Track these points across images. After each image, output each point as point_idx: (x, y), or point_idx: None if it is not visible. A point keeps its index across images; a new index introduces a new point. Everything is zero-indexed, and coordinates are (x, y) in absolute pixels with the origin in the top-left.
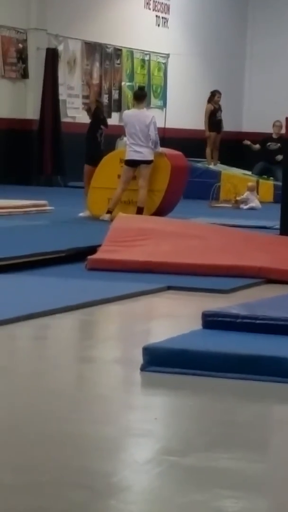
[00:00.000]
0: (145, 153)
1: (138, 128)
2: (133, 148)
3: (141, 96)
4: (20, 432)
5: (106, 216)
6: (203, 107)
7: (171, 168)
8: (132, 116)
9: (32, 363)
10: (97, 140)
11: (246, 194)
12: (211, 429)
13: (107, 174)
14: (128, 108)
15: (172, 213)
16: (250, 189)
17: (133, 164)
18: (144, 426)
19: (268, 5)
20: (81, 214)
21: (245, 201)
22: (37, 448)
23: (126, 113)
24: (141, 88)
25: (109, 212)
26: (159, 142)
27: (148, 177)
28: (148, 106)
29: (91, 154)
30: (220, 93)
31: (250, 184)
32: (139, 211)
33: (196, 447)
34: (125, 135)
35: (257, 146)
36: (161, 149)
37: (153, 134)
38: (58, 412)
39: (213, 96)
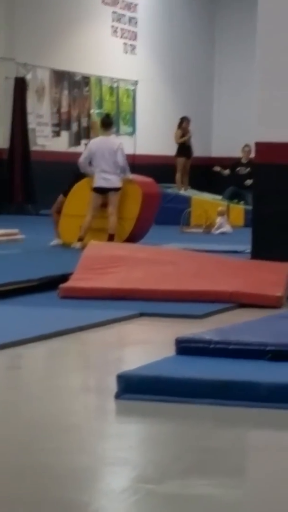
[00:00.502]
0: (113, 180)
1: (106, 155)
2: (101, 175)
3: (107, 123)
4: None
5: (78, 244)
6: (172, 133)
7: (142, 195)
8: (100, 144)
9: (5, 393)
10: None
11: (218, 219)
12: (186, 455)
13: (78, 201)
14: (98, 136)
15: (144, 239)
16: (221, 214)
17: (101, 191)
18: (120, 454)
19: (235, 29)
20: (52, 243)
21: (217, 226)
22: (13, 480)
23: (94, 141)
24: (107, 115)
25: (80, 240)
26: (128, 168)
27: (117, 204)
28: (118, 132)
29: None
30: (188, 120)
31: (220, 209)
32: (110, 238)
33: (172, 474)
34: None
35: (227, 171)
36: (131, 176)
37: (121, 160)
38: (32, 443)
39: (181, 123)
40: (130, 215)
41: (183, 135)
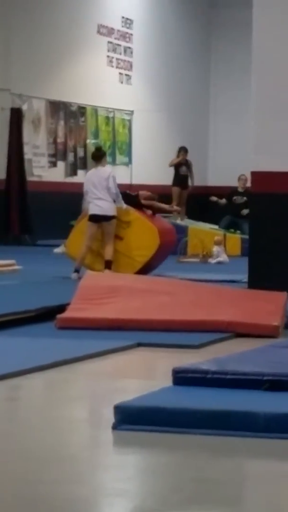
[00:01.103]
0: (105, 208)
1: (97, 183)
2: (95, 202)
3: (97, 156)
4: None
5: (73, 275)
6: (167, 163)
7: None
8: (91, 175)
9: (3, 424)
10: None
11: (215, 248)
12: (185, 486)
13: None
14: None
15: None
16: (218, 243)
17: (95, 219)
18: (118, 486)
19: (230, 60)
20: (56, 250)
21: (213, 256)
22: (11, 511)
23: (87, 174)
24: (97, 149)
25: (76, 271)
26: (120, 196)
27: (112, 234)
28: (114, 163)
29: None
30: (186, 150)
31: (217, 238)
32: (107, 264)
33: (170, 504)
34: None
35: (224, 200)
36: (124, 206)
37: (113, 187)
38: (30, 474)
39: (179, 153)
40: (146, 252)
41: (179, 164)
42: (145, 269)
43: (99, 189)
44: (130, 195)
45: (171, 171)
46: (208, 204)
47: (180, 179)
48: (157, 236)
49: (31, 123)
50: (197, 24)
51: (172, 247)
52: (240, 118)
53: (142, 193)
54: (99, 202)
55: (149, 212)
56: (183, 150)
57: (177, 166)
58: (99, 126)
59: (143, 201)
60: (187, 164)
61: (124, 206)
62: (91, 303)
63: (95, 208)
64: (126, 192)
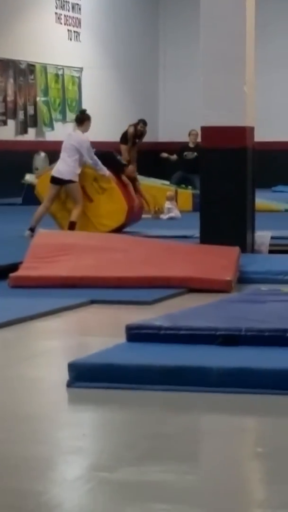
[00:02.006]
0: (62, 171)
1: (65, 145)
2: (57, 163)
3: (78, 119)
4: None
5: (27, 233)
6: (119, 119)
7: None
8: (67, 135)
9: None
10: None
11: (166, 204)
12: (140, 442)
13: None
14: (45, 124)
15: None
16: (169, 199)
17: (52, 181)
18: (73, 443)
19: (179, 15)
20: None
21: (165, 211)
22: None
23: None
24: (80, 111)
25: (31, 229)
26: (99, 164)
27: (75, 197)
28: (64, 120)
29: None
30: (145, 124)
31: (169, 193)
32: (71, 225)
33: (125, 461)
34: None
35: (175, 156)
36: (108, 173)
37: (87, 157)
38: None
39: (137, 125)
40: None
41: (135, 135)
42: None
43: (65, 150)
44: (119, 162)
45: (121, 128)
46: (159, 160)
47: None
48: (124, 214)
49: None
50: None
51: (136, 221)
52: (190, 73)
53: (130, 168)
54: (59, 164)
55: (127, 181)
56: (142, 123)
57: (133, 135)
58: (48, 84)
59: (125, 175)
60: (142, 135)
61: (107, 173)
62: (43, 261)
63: (54, 169)
64: (117, 157)
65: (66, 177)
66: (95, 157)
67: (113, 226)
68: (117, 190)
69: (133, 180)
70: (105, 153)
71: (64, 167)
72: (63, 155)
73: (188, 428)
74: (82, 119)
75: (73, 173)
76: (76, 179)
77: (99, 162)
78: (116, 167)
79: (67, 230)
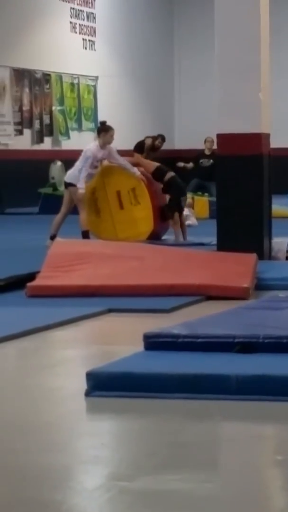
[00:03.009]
0: (67, 175)
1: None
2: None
3: (97, 130)
4: None
5: (48, 242)
6: (134, 128)
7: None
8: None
9: None
10: None
11: (185, 211)
12: (158, 451)
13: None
14: (61, 133)
15: None
16: (187, 206)
17: (64, 185)
18: (92, 452)
19: (193, 22)
20: None
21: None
22: None
23: None
24: (100, 123)
25: (52, 238)
26: (128, 164)
27: (78, 202)
28: (80, 129)
29: None
30: (163, 140)
31: (187, 201)
32: (85, 235)
33: (144, 470)
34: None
35: (191, 164)
36: (138, 173)
37: (79, 164)
38: (4, 443)
39: (156, 139)
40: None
41: (152, 147)
42: None
43: (78, 159)
44: (162, 171)
45: (137, 136)
46: (175, 168)
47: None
48: (146, 235)
49: None
50: None
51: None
52: (205, 80)
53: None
54: (69, 170)
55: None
56: (161, 138)
57: (150, 148)
58: (64, 93)
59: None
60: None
61: (137, 173)
62: (60, 271)
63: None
64: (161, 167)
65: (68, 179)
66: (88, 169)
67: (132, 240)
68: (149, 209)
69: (180, 211)
70: (170, 178)
71: (70, 171)
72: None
73: (207, 436)
74: (99, 131)
75: (75, 177)
76: (78, 184)
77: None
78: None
79: (83, 239)
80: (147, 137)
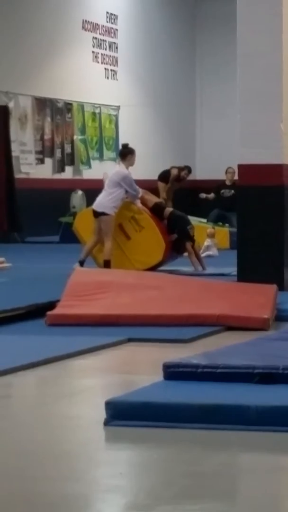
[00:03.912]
0: (97, 203)
1: (110, 179)
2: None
3: (121, 153)
4: None
5: (76, 265)
6: (155, 157)
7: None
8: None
9: None
10: None
11: (206, 241)
12: (177, 480)
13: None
14: (82, 162)
15: None
16: (210, 236)
17: (93, 214)
18: (110, 481)
19: (216, 52)
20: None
21: (204, 248)
22: (4, 508)
23: None
24: (123, 146)
25: (80, 263)
26: (137, 193)
27: (106, 231)
28: (101, 158)
29: None
30: (189, 171)
31: (209, 230)
32: (106, 264)
33: (163, 500)
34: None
35: (212, 195)
36: (140, 205)
37: (131, 191)
38: (23, 471)
39: (182, 170)
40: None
41: (177, 178)
42: None
43: (107, 184)
44: (161, 208)
45: (158, 166)
46: (196, 198)
47: (167, 177)
48: (162, 252)
49: (17, 120)
50: (182, 18)
51: (174, 259)
52: (227, 111)
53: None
54: (98, 197)
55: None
56: (187, 170)
57: (175, 179)
58: (85, 122)
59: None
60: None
61: (139, 205)
62: (80, 299)
63: (95, 202)
64: (160, 203)
65: (99, 209)
66: (138, 188)
67: (151, 264)
68: (155, 229)
69: (192, 241)
70: (170, 214)
71: (100, 200)
72: (104, 187)
73: (226, 466)
74: (125, 154)
75: (107, 206)
76: (109, 212)
77: (140, 192)
78: (157, 212)
79: (103, 268)
80: (173, 167)
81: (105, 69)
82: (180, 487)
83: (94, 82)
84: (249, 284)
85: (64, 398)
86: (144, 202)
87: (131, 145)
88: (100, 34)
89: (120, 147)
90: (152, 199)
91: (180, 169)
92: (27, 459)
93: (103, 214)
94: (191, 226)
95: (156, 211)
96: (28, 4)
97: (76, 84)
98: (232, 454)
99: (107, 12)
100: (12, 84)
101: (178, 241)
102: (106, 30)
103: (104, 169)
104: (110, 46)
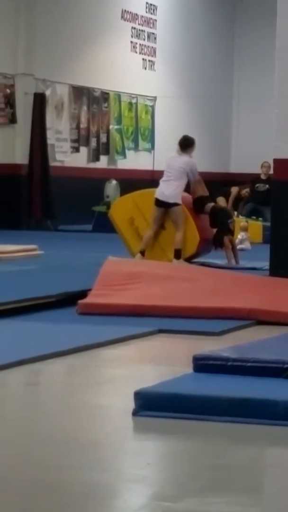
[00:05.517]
0: (167, 194)
1: (171, 167)
2: (161, 185)
3: (182, 145)
4: (12, 480)
5: (137, 256)
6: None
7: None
8: (172, 158)
9: (24, 409)
10: None
11: (240, 234)
12: (204, 473)
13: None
14: (117, 152)
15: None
16: (243, 229)
17: (156, 203)
18: (137, 472)
19: (254, 46)
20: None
21: (237, 241)
22: (31, 496)
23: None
24: (184, 137)
25: (141, 253)
26: (202, 183)
27: (177, 221)
28: (137, 149)
29: None
30: (251, 190)
31: (243, 224)
32: (176, 253)
33: (189, 491)
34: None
35: (247, 190)
36: (207, 193)
37: (195, 177)
38: (50, 459)
39: (242, 189)
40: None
41: (238, 196)
42: None
43: (171, 173)
44: (203, 201)
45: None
46: (230, 192)
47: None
48: (196, 245)
49: (54, 108)
50: (222, 10)
51: (208, 252)
52: (264, 104)
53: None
54: (163, 186)
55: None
56: (249, 189)
57: (237, 198)
58: (122, 112)
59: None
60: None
61: (207, 193)
62: (112, 289)
63: (158, 191)
64: (205, 197)
65: (171, 200)
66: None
67: (184, 256)
68: (191, 221)
69: (232, 234)
70: (212, 209)
71: (169, 190)
72: (167, 177)
73: (252, 460)
74: (189, 144)
75: (178, 196)
76: (180, 201)
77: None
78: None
79: (173, 258)
80: (234, 186)
81: (143, 59)
82: (206, 480)
83: (131, 72)
84: (281, 278)
85: (93, 387)
86: (194, 190)
87: (166, 136)
88: (139, 24)
89: (182, 137)
90: (201, 191)
91: (241, 188)
92: (53, 447)
93: (175, 204)
94: (232, 220)
95: (198, 203)
96: None
97: (114, 74)
98: (259, 448)
99: (147, 3)
100: (50, 72)
101: (218, 234)
102: (145, 21)
103: (139, 159)
104: (148, 37)
